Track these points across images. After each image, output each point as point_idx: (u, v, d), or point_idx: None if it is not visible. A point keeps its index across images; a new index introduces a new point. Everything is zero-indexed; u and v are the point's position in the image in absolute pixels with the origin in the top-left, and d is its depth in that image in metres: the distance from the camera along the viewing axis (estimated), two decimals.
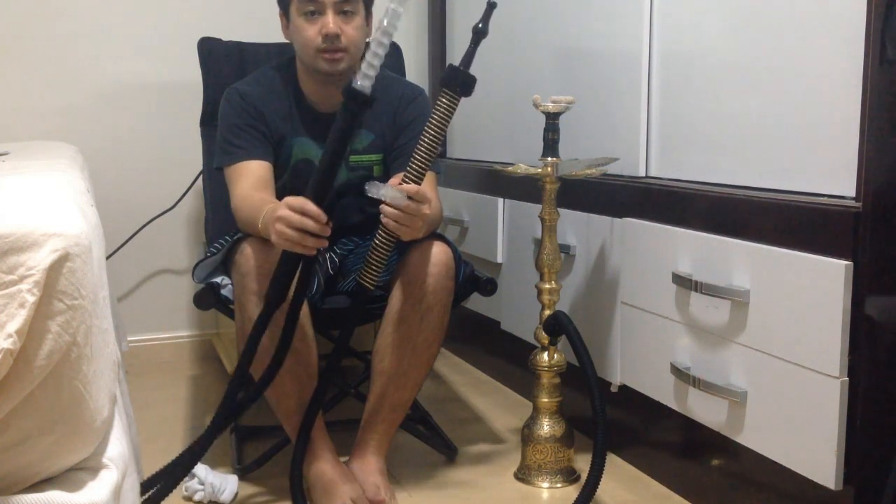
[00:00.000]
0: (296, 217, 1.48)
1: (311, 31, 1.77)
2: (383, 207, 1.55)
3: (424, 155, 1.58)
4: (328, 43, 1.77)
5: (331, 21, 1.76)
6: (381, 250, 1.63)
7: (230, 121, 1.85)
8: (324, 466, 1.67)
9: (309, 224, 1.48)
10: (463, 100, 1.59)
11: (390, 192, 1.53)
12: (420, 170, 1.59)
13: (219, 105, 1.91)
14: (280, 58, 1.97)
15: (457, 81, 1.57)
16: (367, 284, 1.65)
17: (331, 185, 1.52)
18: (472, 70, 1.58)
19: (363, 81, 1.48)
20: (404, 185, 1.57)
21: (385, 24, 1.46)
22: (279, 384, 1.67)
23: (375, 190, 1.53)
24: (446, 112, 1.57)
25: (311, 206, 1.48)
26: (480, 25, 1.58)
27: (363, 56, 1.50)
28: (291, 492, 1.64)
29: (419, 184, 1.58)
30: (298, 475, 1.65)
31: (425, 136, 1.58)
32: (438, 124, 1.57)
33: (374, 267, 1.64)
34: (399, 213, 1.54)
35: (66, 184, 1.21)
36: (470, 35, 1.59)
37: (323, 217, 1.49)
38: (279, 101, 1.88)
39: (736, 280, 1.49)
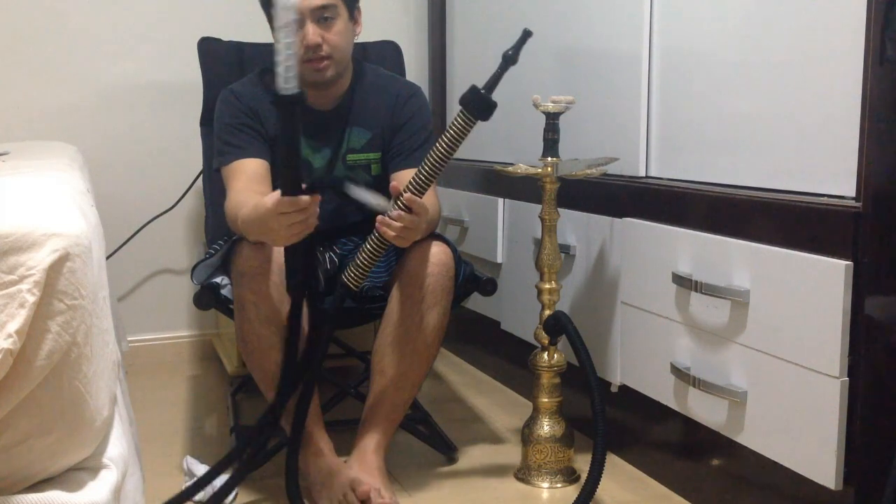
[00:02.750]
0: (283, 216, 1.45)
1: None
2: (381, 216, 1.56)
3: (431, 170, 1.57)
4: (311, 53, 1.77)
5: (311, 32, 1.75)
6: (371, 254, 1.63)
7: (225, 121, 1.86)
8: (322, 463, 1.67)
9: (301, 212, 1.44)
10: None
11: (371, 197, 1.52)
12: (425, 183, 1.58)
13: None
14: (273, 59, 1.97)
15: (476, 105, 1.54)
16: (351, 285, 1.65)
17: (299, 174, 1.47)
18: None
19: (286, 84, 1.40)
20: (407, 194, 1.56)
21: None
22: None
23: (357, 192, 1.51)
24: (460, 132, 1.55)
25: (301, 199, 1.44)
26: (511, 52, 1.56)
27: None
28: (287, 490, 1.64)
29: (421, 196, 1.58)
30: (294, 471, 1.65)
31: (435, 151, 1.57)
32: (450, 142, 1.56)
33: (361, 269, 1.64)
34: (399, 225, 1.55)
35: (66, 184, 1.21)
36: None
37: (303, 201, 1.44)
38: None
39: (736, 280, 1.49)
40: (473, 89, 1.55)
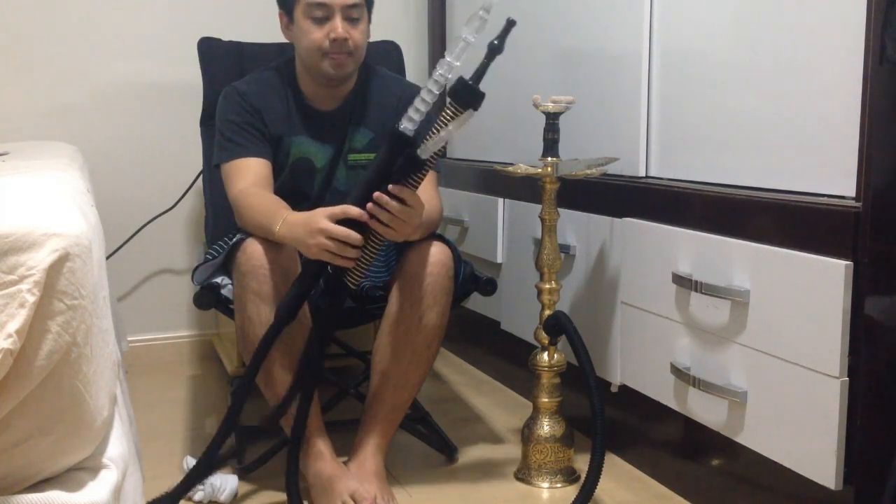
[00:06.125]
0: (339, 230, 1.51)
1: (319, 34, 1.79)
2: (370, 208, 1.54)
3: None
4: (336, 47, 1.79)
5: (339, 26, 1.78)
6: (369, 251, 1.61)
7: (228, 118, 1.86)
8: (322, 466, 1.67)
9: (353, 236, 1.52)
10: None
11: (439, 137, 1.53)
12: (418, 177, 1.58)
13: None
14: (278, 59, 1.97)
15: (465, 96, 1.53)
16: (350, 283, 1.63)
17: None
18: (469, 72, 1.56)
19: (407, 124, 1.51)
20: (392, 186, 1.55)
21: (437, 73, 1.49)
22: (279, 383, 1.67)
23: (428, 146, 1.53)
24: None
25: (353, 210, 1.51)
26: (496, 42, 1.55)
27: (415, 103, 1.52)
28: (287, 492, 1.64)
29: (415, 188, 1.58)
30: (294, 474, 1.65)
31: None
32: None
33: (359, 267, 1.63)
34: (390, 215, 1.54)
35: (66, 184, 1.21)
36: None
37: (354, 238, 1.53)
38: (277, 100, 1.88)
39: (736, 280, 1.49)
40: (461, 80, 1.54)
